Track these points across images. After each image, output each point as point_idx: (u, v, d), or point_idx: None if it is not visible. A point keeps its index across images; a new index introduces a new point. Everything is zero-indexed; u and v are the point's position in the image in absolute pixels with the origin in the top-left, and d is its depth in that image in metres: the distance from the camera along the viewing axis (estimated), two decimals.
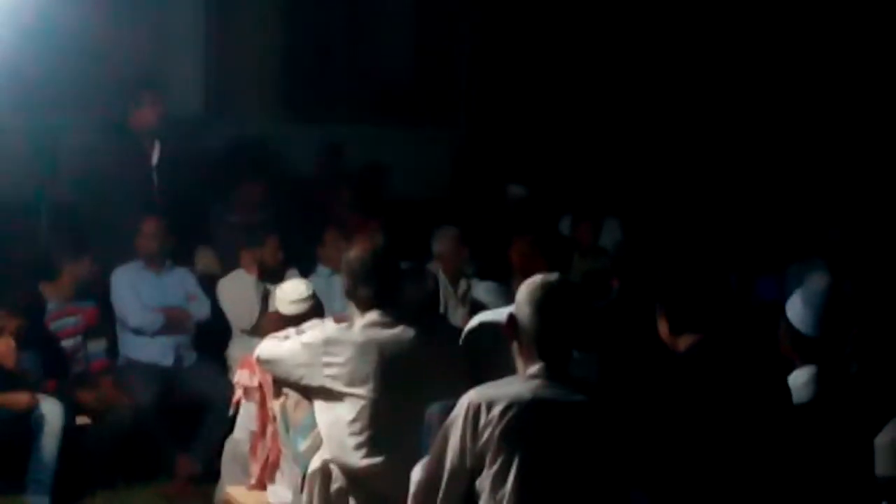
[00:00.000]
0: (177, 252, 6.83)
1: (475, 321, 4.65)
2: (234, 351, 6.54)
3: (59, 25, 6.89)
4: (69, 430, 5.79)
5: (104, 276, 6.52)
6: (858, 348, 4.97)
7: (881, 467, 3.13)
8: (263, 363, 4.59)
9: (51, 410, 5.73)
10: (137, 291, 6.48)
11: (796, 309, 3.79)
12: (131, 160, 6.95)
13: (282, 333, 4.70)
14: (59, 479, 5.75)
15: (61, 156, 7.39)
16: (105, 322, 6.50)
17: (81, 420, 6.02)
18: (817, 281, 5.91)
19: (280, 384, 4.59)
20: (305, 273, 6.66)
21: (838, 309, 3.81)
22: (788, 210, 8.44)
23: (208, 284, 6.81)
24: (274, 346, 4.53)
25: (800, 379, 3.73)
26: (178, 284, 6.64)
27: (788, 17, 9.31)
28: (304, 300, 5.40)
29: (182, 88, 7.38)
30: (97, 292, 6.48)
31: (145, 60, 7.98)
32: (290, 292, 5.48)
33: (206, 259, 7.25)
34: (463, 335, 4.62)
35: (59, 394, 5.87)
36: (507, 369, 3.54)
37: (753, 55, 9.45)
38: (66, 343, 6.25)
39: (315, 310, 5.35)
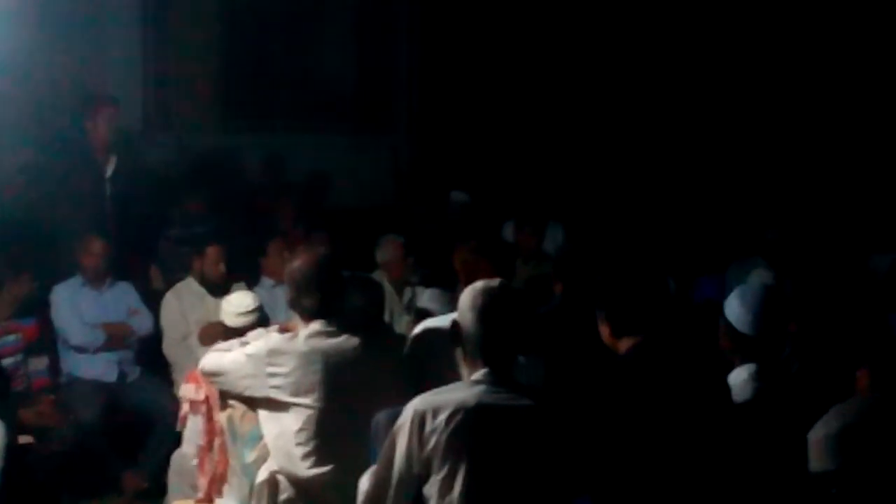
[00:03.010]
0: (128, 267, 6.79)
1: (420, 328, 4.67)
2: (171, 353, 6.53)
3: None
4: (12, 449, 5.71)
5: (46, 293, 6.46)
6: (798, 347, 5.04)
7: (814, 463, 3.17)
8: (208, 376, 4.58)
9: None
10: (78, 309, 6.42)
11: (734, 308, 3.84)
12: (83, 174, 6.94)
13: (225, 345, 4.69)
14: (3, 500, 5.67)
15: None
16: (46, 339, 6.43)
17: (24, 439, 5.94)
18: (755, 280, 5.99)
19: (226, 396, 4.58)
20: (249, 285, 6.63)
21: (776, 307, 3.86)
22: (728, 210, 8.54)
23: (155, 301, 6.76)
24: (218, 359, 4.51)
25: (739, 377, 3.78)
26: (120, 300, 6.59)
27: (727, 26, 9.43)
28: (250, 313, 5.39)
29: (121, 103, 7.33)
30: (36, 309, 6.42)
31: (83, 76, 7.92)
32: (236, 305, 5.47)
33: (153, 275, 7.23)
34: (408, 342, 4.63)
35: (0, 413, 5.80)
36: (451, 376, 3.56)
37: (690, 60, 9.55)
38: (7, 361, 6.16)
39: (260, 323, 5.34)
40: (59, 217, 6.73)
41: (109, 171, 7.07)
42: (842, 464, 3.32)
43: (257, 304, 5.49)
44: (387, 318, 6.33)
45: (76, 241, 6.50)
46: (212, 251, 6.57)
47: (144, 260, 7.26)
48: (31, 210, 7.10)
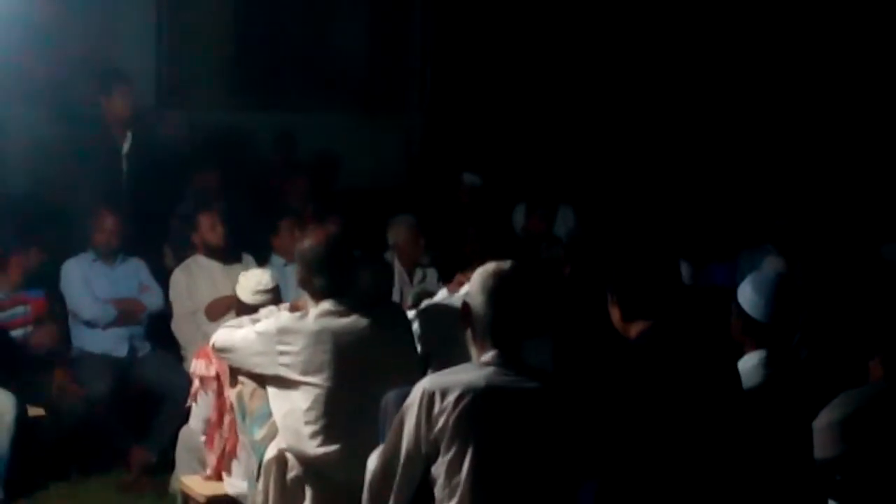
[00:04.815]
0: (143, 244, 6.81)
1: (424, 304, 4.69)
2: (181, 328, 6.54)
3: (6, 17, 6.82)
4: (22, 421, 5.74)
5: (55, 266, 6.48)
6: (808, 334, 5.04)
7: (819, 450, 3.16)
8: (219, 352, 4.59)
9: (2, 402, 5.68)
10: (89, 284, 6.44)
11: (747, 294, 3.83)
12: (100, 150, 6.96)
13: (236, 321, 4.69)
14: (13, 472, 5.70)
15: (10, 147, 7.35)
16: (55, 312, 6.45)
17: (34, 412, 5.97)
18: (769, 267, 5.99)
19: (235, 373, 4.59)
20: (259, 264, 6.63)
21: (789, 295, 3.85)
22: (738, 197, 8.53)
23: (167, 278, 6.76)
24: (228, 335, 4.52)
25: (749, 363, 3.78)
26: (131, 275, 6.60)
27: (740, 13, 9.41)
28: (268, 291, 5.29)
29: (134, 79, 7.34)
30: (45, 282, 6.44)
31: (97, 52, 7.92)
32: (256, 281, 5.40)
33: (166, 252, 7.25)
34: (413, 318, 4.66)
35: (10, 385, 5.82)
36: (460, 354, 3.56)
37: (700, 45, 9.53)
38: (16, 333, 6.20)
39: (275, 304, 5.31)
40: (73, 192, 6.75)
41: (126, 147, 7.11)
42: (846, 451, 3.32)
43: (275, 284, 5.42)
44: (396, 298, 6.34)
45: (89, 216, 6.51)
46: (203, 219, 6.54)
47: (158, 237, 7.27)
48: (45, 183, 7.13)
